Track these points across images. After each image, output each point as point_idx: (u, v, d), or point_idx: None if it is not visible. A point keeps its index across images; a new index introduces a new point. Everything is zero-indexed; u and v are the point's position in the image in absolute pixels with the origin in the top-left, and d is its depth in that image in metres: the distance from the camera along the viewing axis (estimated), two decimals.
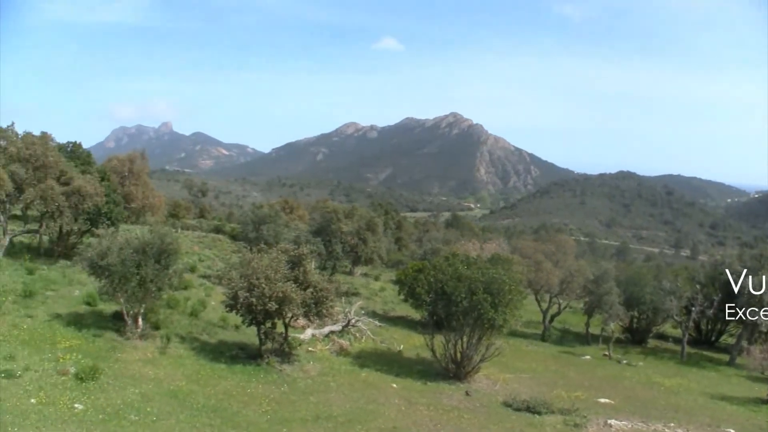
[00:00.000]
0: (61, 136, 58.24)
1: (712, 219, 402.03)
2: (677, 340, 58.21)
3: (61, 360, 26.72)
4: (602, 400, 35.52)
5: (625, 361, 49.37)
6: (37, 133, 48.69)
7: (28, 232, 50.41)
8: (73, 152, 57.58)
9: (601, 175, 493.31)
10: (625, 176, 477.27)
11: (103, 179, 51.99)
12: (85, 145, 64.04)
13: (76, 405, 21.98)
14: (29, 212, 50.69)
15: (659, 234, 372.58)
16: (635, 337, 59.63)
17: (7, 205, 45.26)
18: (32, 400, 21.55)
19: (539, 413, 30.70)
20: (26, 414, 20.22)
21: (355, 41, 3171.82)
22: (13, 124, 49.08)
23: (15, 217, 53.52)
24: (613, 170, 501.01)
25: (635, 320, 59.50)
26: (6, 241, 45.84)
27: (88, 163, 56.86)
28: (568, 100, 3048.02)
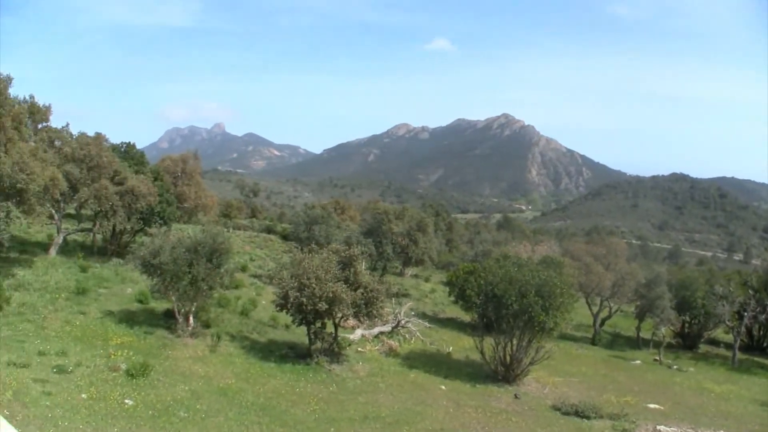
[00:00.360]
0: (115, 137, 58.99)
1: (765, 222, 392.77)
2: (729, 346, 56.78)
3: (112, 356, 26.96)
4: (652, 406, 34.94)
5: (675, 367, 48.52)
6: (91, 133, 49.36)
7: (82, 230, 51.06)
8: (127, 152, 58.15)
9: (654, 177, 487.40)
10: (678, 178, 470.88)
11: (156, 179, 52.55)
12: (139, 146, 64.70)
13: (126, 401, 22.13)
14: (83, 211, 51.27)
15: (712, 237, 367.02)
16: (686, 342, 58.53)
17: (62, 204, 45.83)
18: (83, 395, 21.73)
19: (588, 418, 30.31)
20: (77, 409, 20.40)
21: (406, 42, 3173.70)
22: (68, 124, 49.76)
23: (69, 215, 54.20)
24: (666, 172, 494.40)
25: (687, 325, 58.40)
26: (60, 239, 46.49)
27: (142, 164, 57.42)
28: (620, 101, 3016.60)
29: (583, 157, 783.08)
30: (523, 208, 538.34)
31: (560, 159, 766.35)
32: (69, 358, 25.47)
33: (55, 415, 19.44)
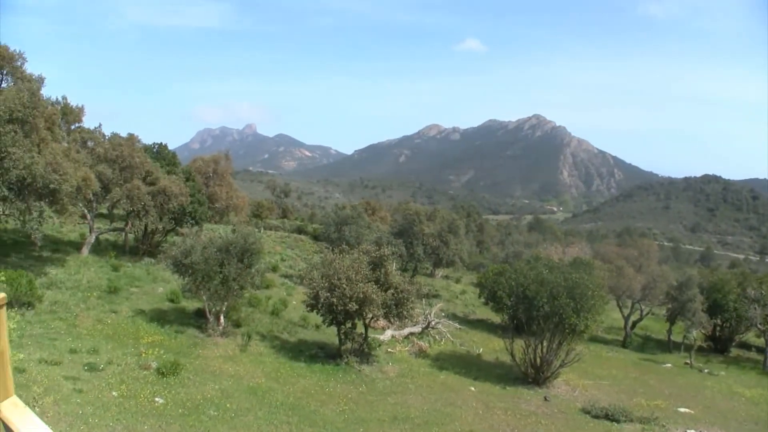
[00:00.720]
0: (147, 138, 59.55)
1: None
2: (760, 350, 56.14)
3: (143, 355, 27.07)
4: (682, 410, 34.56)
5: (706, 370, 48.03)
6: (124, 134, 49.70)
7: (114, 230, 51.44)
8: (159, 153, 58.47)
9: (686, 179, 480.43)
10: (710, 180, 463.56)
11: (188, 179, 52.78)
12: (171, 147, 65.02)
13: (156, 399, 22.20)
14: (115, 211, 51.74)
15: (744, 240, 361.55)
16: (717, 345, 57.93)
17: (95, 204, 46.16)
18: (114, 393, 21.81)
19: (618, 421, 30.03)
20: (107, 406, 20.47)
21: (438, 42, 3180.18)
22: (100, 125, 50.23)
23: (101, 215, 54.63)
24: (698, 174, 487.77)
25: (718, 328, 57.82)
26: (93, 238, 46.80)
27: (174, 164, 57.72)
28: (653, 102, 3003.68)
29: (614, 158, 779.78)
30: (555, 209, 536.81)
31: (592, 160, 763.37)
32: (100, 356, 25.60)
33: (86, 412, 19.52)
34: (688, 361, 49.97)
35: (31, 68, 37.61)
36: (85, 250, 45.72)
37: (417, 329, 43.92)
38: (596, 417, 30.70)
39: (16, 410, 3.84)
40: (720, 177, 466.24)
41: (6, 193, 32.33)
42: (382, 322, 40.14)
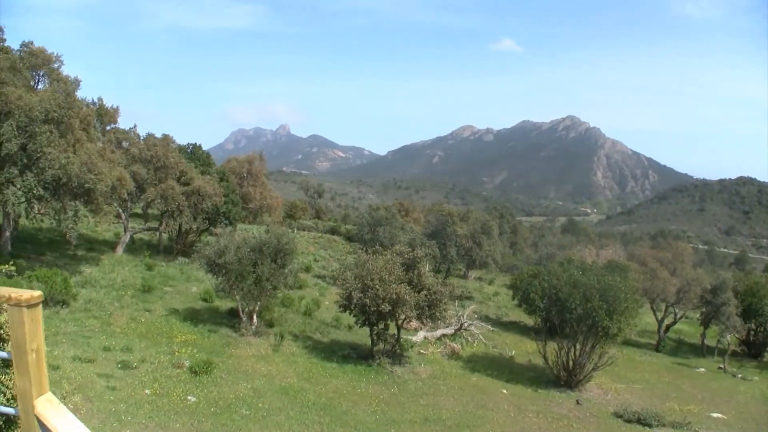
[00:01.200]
0: (182, 138, 60.04)
1: None
2: None
3: (176, 353, 27.23)
4: (715, 415, 34.20)
5: (740, 375, 47.41)
6: (158, 135, 50.09)
7: (149, 229, 51.87)
8: (193, 153, 58.92)
9: (721, 181, 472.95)
10: (746, 182, 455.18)
11: (222, 180, 53.07)
12: (205, 147, 65.55)
13: (189, 397, 22.31)
14: (150, 211, 52.14)
15: None
16: (752, 350, 56.90)
17: (129, 204, 46.58)
18: (147, 391, 21.96)
19: (650, 425, 29.78)
20: (140, 404, 20.62)
21: (472, 43, 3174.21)
22: (135, 126, 50.69)
23: (136, 215, 55.06)
24: (733, 176, 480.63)
25: (752, 333, 57.00)
26: (127, 238, 47.20)
27: (208, 164, 58.12)
28: (686, 103, 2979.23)
29: (649, 159, 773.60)
30: (589, 211, 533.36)
31: (626, 161, 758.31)
32: (134, 355, 25.79)
33: (119, 409, 19.67)
34: (722, 366, 49.40)
35: (67, 70, 38.08)
36: (120, 249, 46.11)
37: (449, 331, 43.80)
38: (628, 421, 30.48)
39: (50, 406, 3.88)
40: (755, 179, 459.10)
41: (42, 192, 32.69)
42: (414, 324, 40.05)
